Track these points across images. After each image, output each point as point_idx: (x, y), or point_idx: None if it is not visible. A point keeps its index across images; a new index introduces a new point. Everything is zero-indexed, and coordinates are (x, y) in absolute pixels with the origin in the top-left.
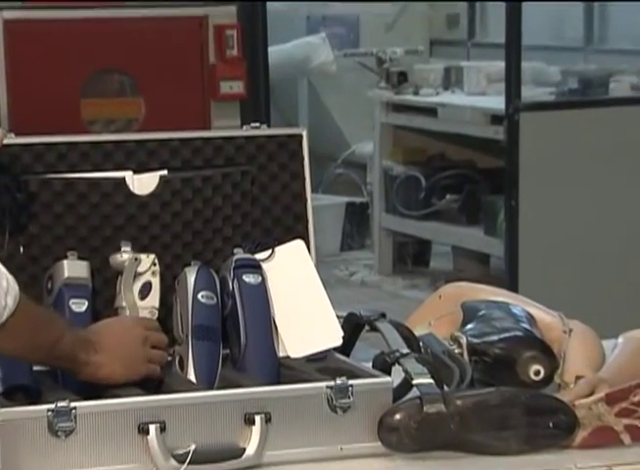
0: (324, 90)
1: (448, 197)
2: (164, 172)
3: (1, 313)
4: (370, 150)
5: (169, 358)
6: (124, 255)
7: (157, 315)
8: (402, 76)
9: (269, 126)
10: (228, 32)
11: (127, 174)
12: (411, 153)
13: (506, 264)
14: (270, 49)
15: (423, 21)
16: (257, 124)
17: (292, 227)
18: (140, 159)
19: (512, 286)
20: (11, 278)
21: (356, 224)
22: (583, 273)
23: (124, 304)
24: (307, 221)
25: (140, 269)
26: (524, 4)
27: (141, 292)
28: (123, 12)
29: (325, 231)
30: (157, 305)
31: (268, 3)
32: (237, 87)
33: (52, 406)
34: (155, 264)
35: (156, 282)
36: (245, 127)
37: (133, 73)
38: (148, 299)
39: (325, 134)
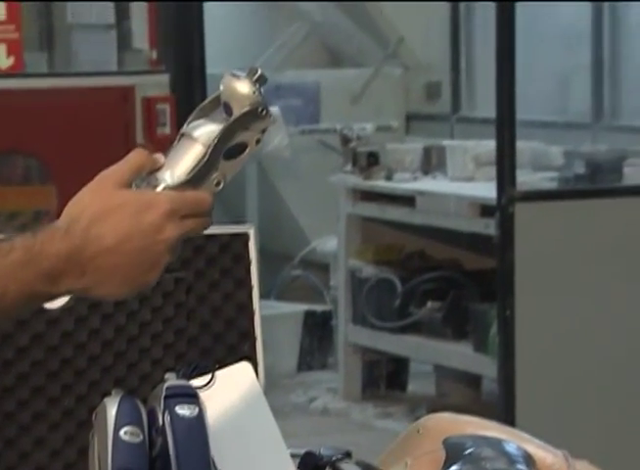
0: (277, 175)
1: (430, 305)
2: None
3: None
4: (333, 247)
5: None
6: (244, 85)
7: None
8: (372, 158)
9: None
10: (159, 106)
11: None
12: (384, 251)
13: (500, 388)
14: None
15: (397, 90)
16: None
17: (236, 346)
18: None
19: (507, 414)
20: None
21: (317, 338)
22: (594, 402)
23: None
24: (255, 339)
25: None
26: (519, 71)
27: (233, 150)
28: (29, 82)
29: (279, 347)
30: (226, 179)
31: (210, 68)
32: None
33: None
34: (263, 133)
35: (251, 149)
36: None
37: (42, 156)
38: (232, 162)
39: (279, 229)
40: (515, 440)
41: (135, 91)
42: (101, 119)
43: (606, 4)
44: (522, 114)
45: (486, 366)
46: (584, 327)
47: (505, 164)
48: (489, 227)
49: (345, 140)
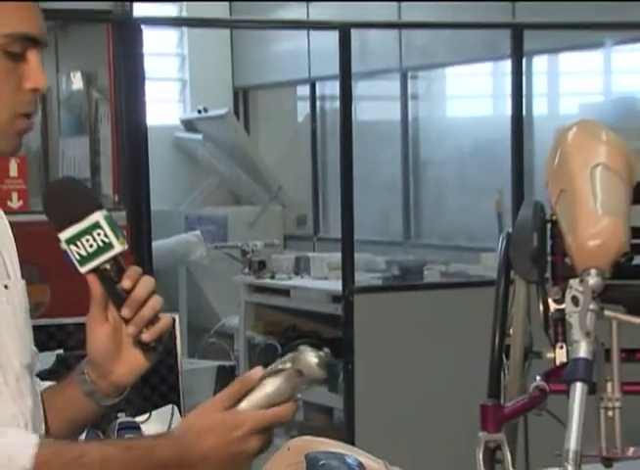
0: (199, 276)
1: None
2: (61, 351)
3: None
4: (236, 323)
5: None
6: (318, 369)
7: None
8: (262, 264)
9: None
10: None
11: None
12: (269, 325)
13: (345, 416)
14: (155, 243)
15: (278, 220)
16: None
17: (166, 394)
18: (40, 340)
19: (349, 433)
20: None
21: (225, 384)
22: (409, 426)
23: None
24: (179, 390)
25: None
26: (357, 207)
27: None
28: (32, 217)
29: (200, 390)
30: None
31: (153, 205)
32: None
33: None
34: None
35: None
36: None
37: (40, 265)
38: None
39: (201, 311)
40: (353, 454)
41: None
42: None
43: (411, 167)
44: (358, 235)
45: (337, 402)
46: (400, 375)
47: (347, 269)
48: (338, 310)
49: (244, 253)
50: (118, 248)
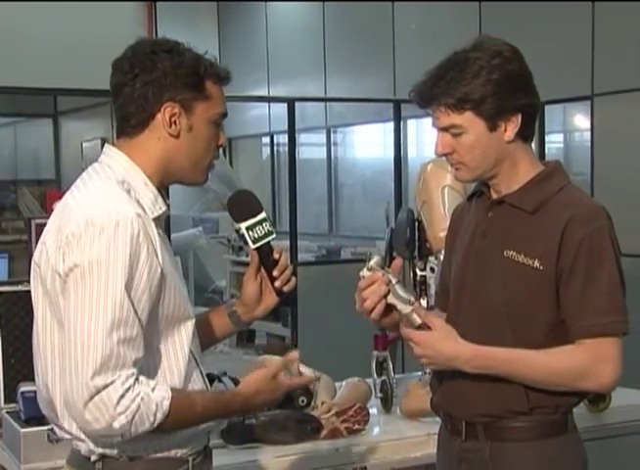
0: (202, 256)
1: None
2: None
3: (153, 421)
4: (224, 284)
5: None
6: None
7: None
8: (240, 248)
9: None
10: None
11: None
12: None
13: (291, 341)
14: (173, 235)
15: None
16: None
17: None
18: None
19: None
20: (158, 399)
21: None
22: (331, 346)
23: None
24: None
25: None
26: (298, 210)
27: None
28: None
29: None
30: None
31: (172, 212)
32: None
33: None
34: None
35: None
36: None
37: None
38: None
39: (202, 277)
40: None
41: None
42: None
43: (332, 187)
44: (300, 229)
45: (286, 332)
46: (326, 316)
47: (293, 250)
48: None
49: (229, 241)
50: (274, 234)
